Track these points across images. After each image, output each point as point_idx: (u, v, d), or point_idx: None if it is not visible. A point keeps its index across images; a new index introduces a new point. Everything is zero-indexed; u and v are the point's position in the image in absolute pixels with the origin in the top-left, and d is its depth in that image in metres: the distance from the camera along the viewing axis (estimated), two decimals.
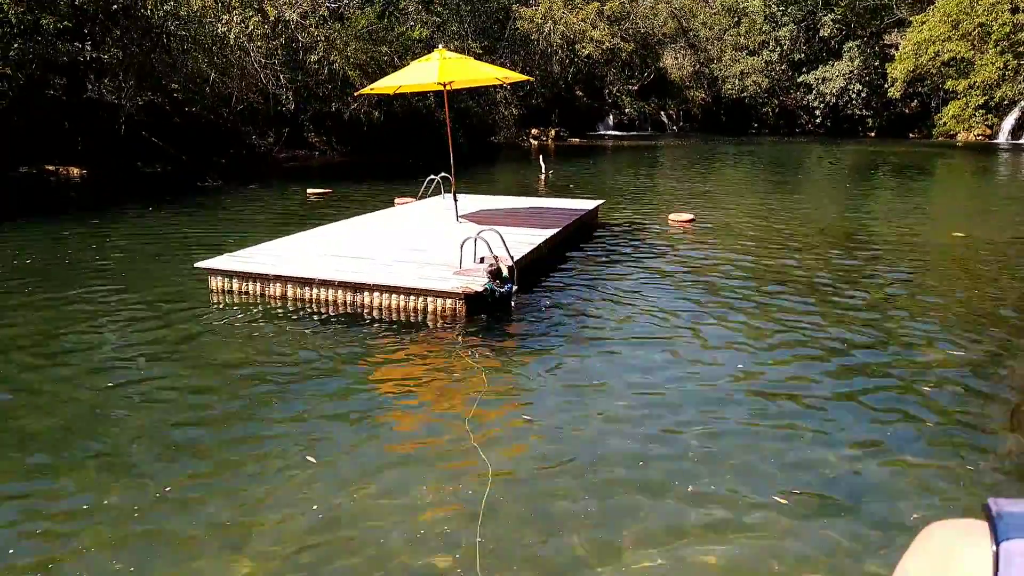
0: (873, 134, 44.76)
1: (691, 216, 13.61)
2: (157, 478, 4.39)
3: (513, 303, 7.84)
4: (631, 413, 5.36)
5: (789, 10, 46.31)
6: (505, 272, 7.86)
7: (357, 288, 7.85)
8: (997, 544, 0.74)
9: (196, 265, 8.59)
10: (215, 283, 8.48)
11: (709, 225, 13.28)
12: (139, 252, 10.95)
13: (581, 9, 40.26)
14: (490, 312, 7.68)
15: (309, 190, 17.40)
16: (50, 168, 20.44)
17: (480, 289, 7.50)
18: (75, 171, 20.65)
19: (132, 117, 21.93)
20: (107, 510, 4.09)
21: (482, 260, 8.15)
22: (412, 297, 7.64)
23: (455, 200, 11.73)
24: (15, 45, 17.76)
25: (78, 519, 4.02)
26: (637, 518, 4.04)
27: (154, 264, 10.13)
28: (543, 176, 21.95)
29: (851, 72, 44.02)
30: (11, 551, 3.73)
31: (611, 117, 48.55)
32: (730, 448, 4.83)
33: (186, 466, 4.56)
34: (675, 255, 10.80)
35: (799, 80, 46.91)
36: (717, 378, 6.06)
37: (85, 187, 18.87)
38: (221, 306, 8.08)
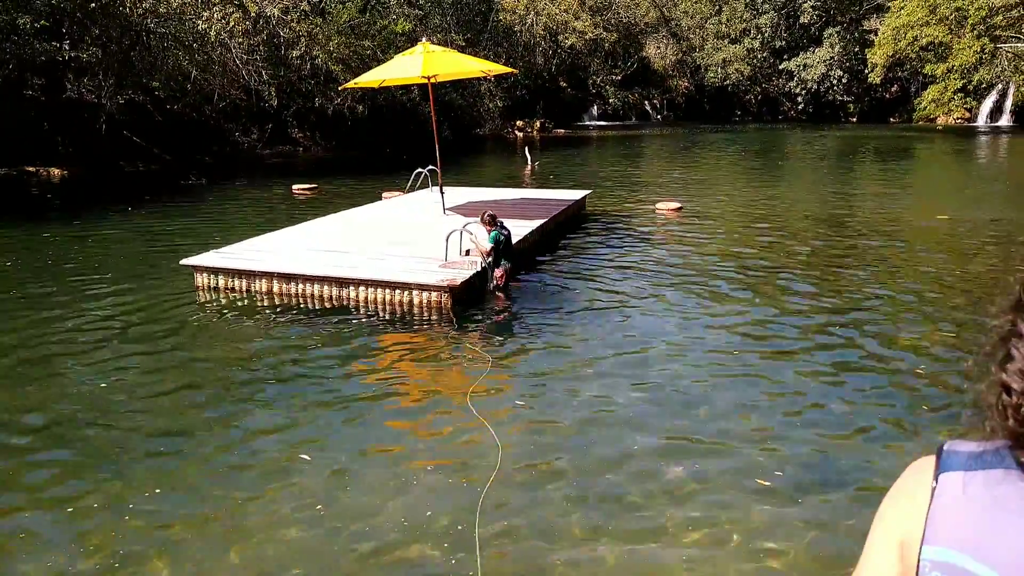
0: (855, 119, 45.05)
1: (679, 204, 13.70)
2: (145, 478, 4.41)
3: (497, 292, 7.91)
4: (620, 396, 5.42)
5: None
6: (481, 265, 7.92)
7: (342, 283, 7.87)
8: (936, 477, 0.91)
9: (182, 262, 8.58)
10: (201, 280, 8.47)
11: (697, 212, 13.37)
12: (123, 251, 10.90)
13: (563, 0, 40.18)
14: (475, 304, 7.74)
15: (295, 186, 17.34)
16: (31, 169, 20.22)
17: (467, 279, 7.60)
18: (56, 172, 20.44)
19: (113, 116, 21.74)
20: (93, 510, 4.11)
21: (467, 253, 8.22)
22: (398, 291, 7.68)
23: (442, 193, 11.74)
24: None
25: (64, 520, 4.04)
26: (623, 505, 4.11)
27: (139, 263, 10.09)
28: (529, 167, 21.97)
29: (832, 58, 44.23)
30: None
31: (595, 107, 48.54)
32: (713, 427, 4.92)
33: (175, 466, 4.59)
34: (664, 242, 10.88)
35: (781, 67, 47.06)
36: (704, 360, 6.14)
37: (67, 188, 18.71)
38: (207, 302, 8.08)
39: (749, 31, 47.81)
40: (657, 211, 13.46)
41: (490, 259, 7.85)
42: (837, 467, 4.46)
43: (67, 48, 19.68)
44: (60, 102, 21.09)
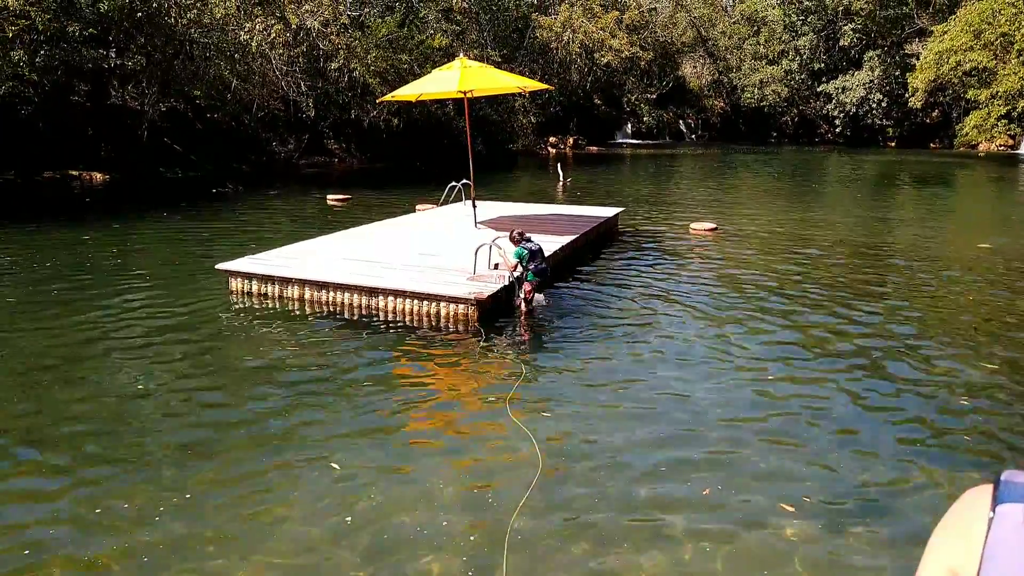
0: (893, 144, 44.43)
1: (713, 225, 13.56)
2: (176, 483, 4.41)
3: (526, 307, 7.89)
4: (648, 414, 5.33)
5: (809, 20, 46.13)
6: (507, 279, 7.92)
7: (372, 292, 7.90)
8: (994, 508, 0.89)
9: (217, 267, 8.69)
10: (235, 284, 8.57)
11: (731, 233, 13.22)
12: (160, 255, 11.06)
13: (600, 18, 40.34)
14: (502, 317, 7.71)
15: (329, 197, 17.51)
16: (74, 173, 20.73)
17: (494, 292, 7.59)
18: (98, 176, 20.92)
19: (155, 123, 22.21)
20: (126, 514, 4.12)
21: (496, 267, 8.21)
22: (425, 302, 7.68)
23: (474, 206, 11.76)
24: (41, 52, 18.05)
25: (92, 520, 4.06)
26: (649, 524, 4.02)
27: (175, 267, 10.23)
28: (560, 183, 21.97)
29: (871, 82, 43.75)
30: (26, 551, 3.77)
31: (629, 125, 48.58)
32: (743, 452, 4.80)
33: (205, 471, 4.58)
34: (697, 262, 10.76)
35: (819, 89, 46.67)
36: (737, 382, 6.02)
37: (108, 192, 19.11)
38: (241, 307, 8.15)
39: (787, 52, 47.55)
40: (692, 231, 13.33)
41: (517, 274, 7.83)
42: (869, 495, 4.31)
43: (113, 56, 20.18)
44: (104, 108, 21.61)
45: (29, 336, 7.08)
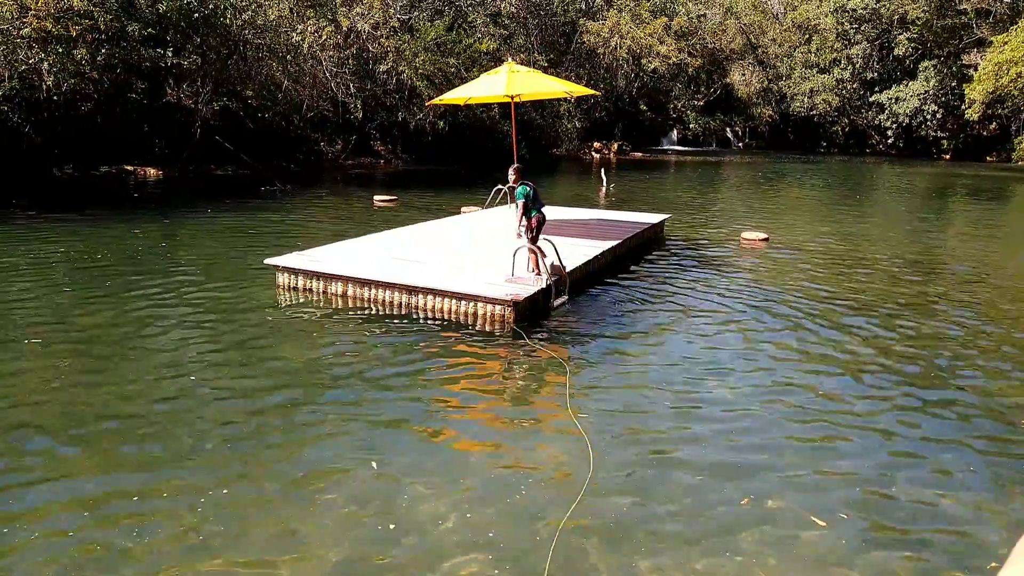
0: (948, 156, 43.24)
1: (765, 235, 13.35)
2: (215, 474, 4.50)
3: (562, 308, 7.99)
4: (689, 426, 5.26)
5: (863, 28, 45.21)
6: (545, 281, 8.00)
7: (412, 290, 8.01)
8: None
9: (265, 262, 8.87)
10: (282, 279, 8.76)
11: (783, 244, 12.99)
12: (209, 249, 11.31)
13: (648, 24, 40.10)
14: (539, 319, 7.72)
15: (376, 197, 17.70)
16: (129, 168, 21.33)
17: (531, 295, 7.66)
18: (152, 172, 21.50)
19: (208, 121, 22.72)
20: (163, 501, 4.21)
21: (535, 270, 8.27)
22: (463, 302, 7.76)
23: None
24: (103, 50, 18.62)
25: (132, 509, 4.15)
26: (689, 533, 3.96)
27: (223, 261, 10.45)
28: (603, 189, 21.87)
29: (926, 92, 42.64)
30: (71, 546, 3.88)
31: (675, 132, 48.15)
32: (785, 461, 4.71)
33: (247, 465, 4.66)
34: (749, 272, 10.58)
35: (871, 99, 45.67)
36: (784, 398, 5.91)
37: (162, 187, 19.62)
38: (287, 302, 8.30)
39: (839, 61, 46.67)
40: (743, 241, 13.14)
41: (520, 211, 8.29)
42: (917, 514, 4.19)
43: (170, 55, 20.71)
44: (160, 106, 22.20)
45: (82, 325, 7.30)
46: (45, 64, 17.44)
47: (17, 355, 6.40)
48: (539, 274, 8.13)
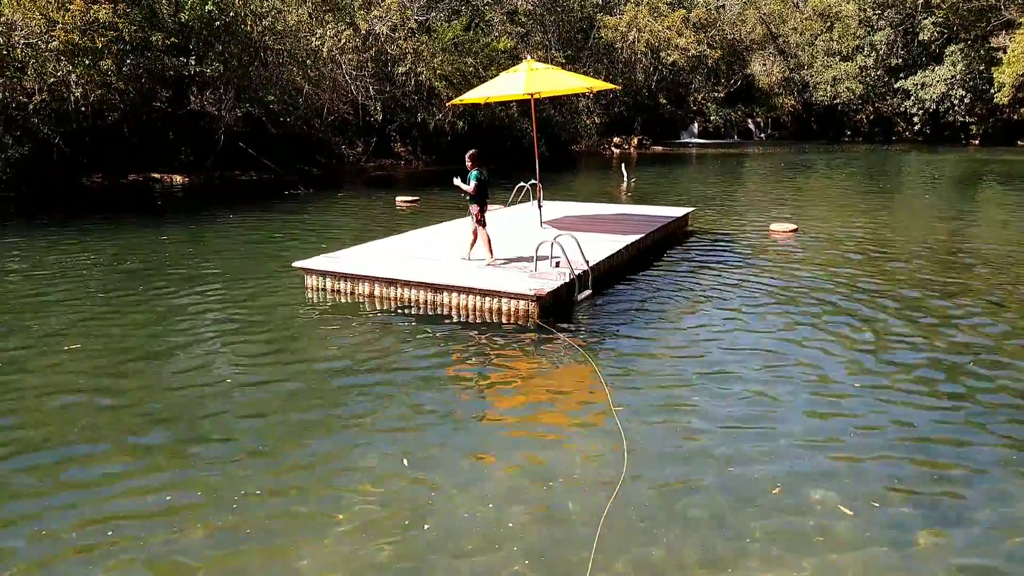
0: (977, 142, 42.40)
1: (794, 226, 13.21)
2: (245, 472, 4.56)
3: (586, 302, 8.06)
4: (723, 416, 5.24)
5: (886, 14, 44.45)
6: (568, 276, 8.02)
7: (437, 288, 8.08)
8: None
9: (293, 264, 9.01)
10: (310, 281, 8.89)
11: (813, 236, 12.84)
12: (236, 253, 11.44)
13: (666, 16, 39.82)
14: (562, 313, 7.75)
15: (398, 198, 17.79)
16: (155, 176, 21.65)
17: (554, 289, 7.69)
18: (178, 178, 21.80)
19: (231, 128, 22.98)
20: (193, 498, 4.27)
21: (557, 264, 8.33)
22: (487, 298, 7.82)
23: (539, 206, 11.80)
24: (128, 61, 18.92)
25: (162, 508, 4.22)
26: (727, 525, 3.95)
27: (251, 264, 10.57)
28: (625, 184, 21.78)
29: (953, 77, 41.80)
30: (106, 545, 3.95)
31: (695, 125, 47.75)
32: (821, 458, 4.67)
33: (280, 463, 4.72)
34: (780, 264, 10.47)
35: (896, 86, 44.89)
36: (821, 391, 5.86)
37: (187, 193, 19.89)
38: (315, 303, 8.41)
39: (862, 48, 45.93)
40: (772, 232, 13.01)
41: (471, 190, 8.60)
42: (951, 508, 4.13)
43: (193, 63, 20.98)
44: (184, 114, 22.50)
45: (114, 328, 7.43)
46: (73, 76, 17.77)
47: (56, 360, 6.53)
48: (492, 256, 8.60)
